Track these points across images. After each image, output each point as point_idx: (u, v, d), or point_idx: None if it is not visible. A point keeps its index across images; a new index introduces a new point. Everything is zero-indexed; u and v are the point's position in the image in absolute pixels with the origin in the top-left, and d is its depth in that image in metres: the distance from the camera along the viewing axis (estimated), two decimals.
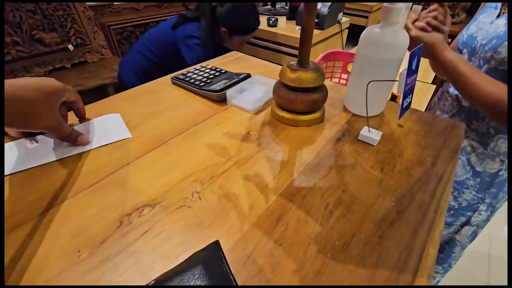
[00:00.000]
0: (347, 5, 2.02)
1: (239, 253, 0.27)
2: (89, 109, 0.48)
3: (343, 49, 1.81)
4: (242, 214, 0.32)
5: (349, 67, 1.24)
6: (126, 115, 0.49)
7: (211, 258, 0.23)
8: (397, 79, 0.40)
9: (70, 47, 1.72)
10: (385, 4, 0.41)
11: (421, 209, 0.33)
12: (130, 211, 0.32)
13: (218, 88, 0.53)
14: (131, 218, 0.31)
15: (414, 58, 0.34)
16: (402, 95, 0.36)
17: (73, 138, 0.39)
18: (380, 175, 0.38)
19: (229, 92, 0.52)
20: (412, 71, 0.36)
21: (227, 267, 0.22)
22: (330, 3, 1.43)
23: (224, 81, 0.56)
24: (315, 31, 1.39)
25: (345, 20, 1.71)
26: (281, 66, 0.70)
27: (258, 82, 0.58)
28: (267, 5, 2.07)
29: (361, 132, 0.44)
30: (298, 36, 1.25)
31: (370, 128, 0.45)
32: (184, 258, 0.26)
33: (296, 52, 1.27)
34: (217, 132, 0.45)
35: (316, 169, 0.39)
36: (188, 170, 0.38)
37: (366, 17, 2.13)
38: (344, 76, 1.20)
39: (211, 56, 0.77)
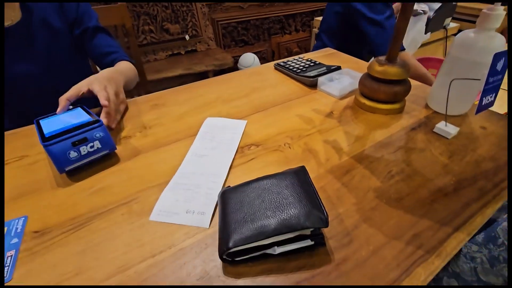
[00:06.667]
0: (459, 8, 1.82)
1: (314, 184, 0.38)
2: (215, 81, 0.66)
3: (444, 57, 1.67)
4: (319, 163, 0.43)
5: None
6: (239, 86, 0.65)
7: (299, 171, 0.34)
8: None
9: (187, 37, 2.08)
10: (484, 10, 0.45)
11: (480, 191, 0.38)
12: (243, 145, 0.46)
13: (311, 75, 0.64)
14: (243, 150, 0.45)
15: (499, 60, 0.38)
16: (481, 92, 0.40)
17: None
18: (446, 161, 0.43)
19: (320, 79, 0.63)
20: (496, 72, 0.39)
21: (309, 178, 0.33)
22: (439, 5, 1.35)
23: (317, 70, 0.67)
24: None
25: (453, 26, 1.58)
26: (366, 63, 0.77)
27: (346, 74, 0.66)
28: None
29: (437, 125, 0.49)
30: None
31: (447, 123, 0.49)
32: None
33: None
34: (306, 108, 0.57)
35: (386, 146, 0.46)
36: (282, 129, 0.51)
37: None
38: None
39: None
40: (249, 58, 2.23)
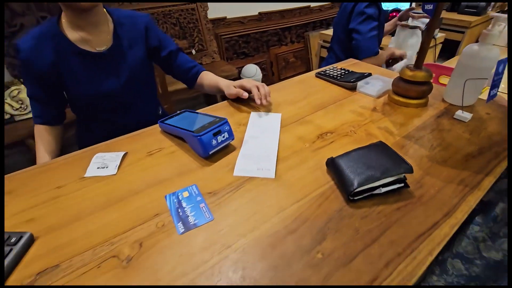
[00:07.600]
0: (445, 20, 2.10)
1: None
2: (273, 89, 0.83)
3: (434, 62, 1.91)
4: None
5: (441, 79, 1.38)
6: (295, 92, 0.82)
7: (380, 143, 0.51)
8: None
9: (193, 51, 2.24)
10: (484, 30, 0.64)
11: (495, 154, 0.55)
12: (321, 133, 0.63)
13: (351, 80, 0.82)
14: (322, 136, 0.62)
15: (500, 65, 0.57)
16: (490, 86, 0.59)
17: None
18: (468, 136, 0.61)
19: (359, 83, 0.80)
20: (498, 73, 0.58)
21: (389, 146, 0.50)
22: (427, 21, 1.58)
23: (353, 76, 0.84)
24: None
25: (440, 35, 1.82)
26: (388, 70, 0.95)
27: (376, 78, 0.85)
28: None
29: (456, 113, 0.67)
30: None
31: (463, 111, 0.67)
32: None
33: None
34: (354, 105, 0.74)
35: (423, 128, 0.64)
36: (343, 121, 0.67)
37: (463, 32, 2.15)
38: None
39: None
40: (251, 69, 2.40)
